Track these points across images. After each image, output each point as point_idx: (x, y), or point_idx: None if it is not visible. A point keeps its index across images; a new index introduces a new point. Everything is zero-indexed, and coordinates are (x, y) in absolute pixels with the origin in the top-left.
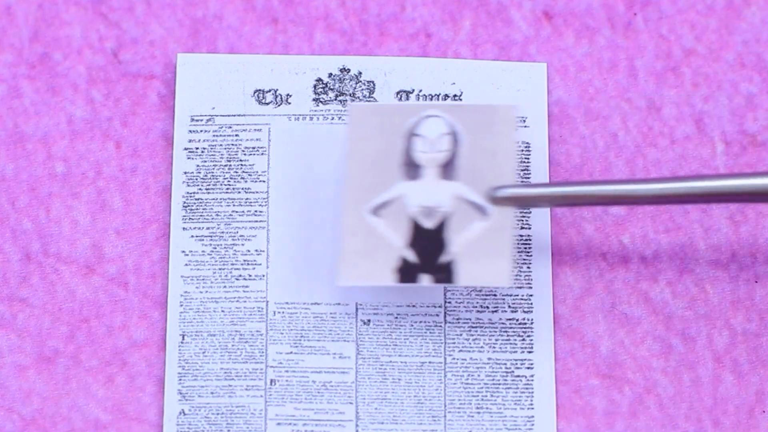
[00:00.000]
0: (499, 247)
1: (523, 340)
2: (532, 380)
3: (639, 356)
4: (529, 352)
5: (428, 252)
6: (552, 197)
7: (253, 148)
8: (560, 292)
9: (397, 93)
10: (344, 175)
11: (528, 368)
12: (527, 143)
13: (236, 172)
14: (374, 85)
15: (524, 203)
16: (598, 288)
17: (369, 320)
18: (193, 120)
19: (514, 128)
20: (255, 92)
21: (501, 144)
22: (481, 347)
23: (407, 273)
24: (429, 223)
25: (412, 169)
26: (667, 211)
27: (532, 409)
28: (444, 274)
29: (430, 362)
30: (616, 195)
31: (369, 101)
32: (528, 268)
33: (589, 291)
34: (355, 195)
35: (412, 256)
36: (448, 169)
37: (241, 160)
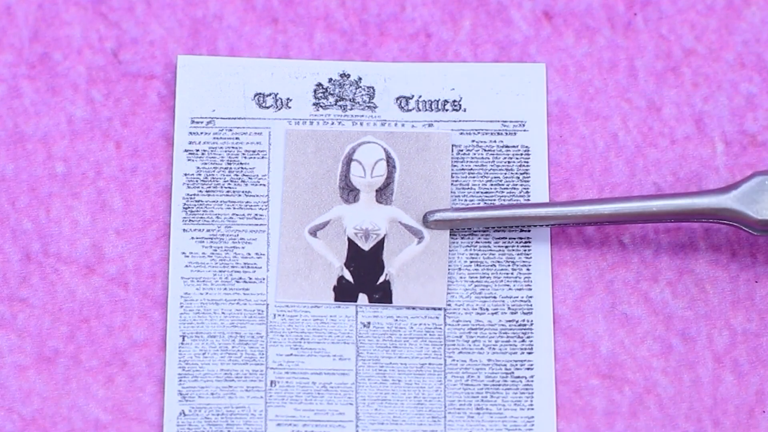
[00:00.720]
0: (435, 269)
1: (523, 341)
2: (532, 381)
3: (639, 356)
4: (529, 353)
5: (365, 272)
6: (482, 220)
7: (254, 151)
8: (560, 292)
9: (397, 99)
10: (283, 196)
11: (528, 369)
12: (526, 146)
13: (236, 175)
14: (374, 90)
15: (456, 226)
16: (598, 288)
17: (369, 323)
18: (193, 122)
19: (448, 155)
20: (255, 96)
21: (436, 169)
22: (481, 348)
23: (345, 292)
24: (365, 245)
25: (349, 192)
26: None
27: (532, 409)
28: (381, 293)
29: (429, 364)
30: (544, 216)
31: (369, 107)
32: (527, 269)
33: (589, 291)
34: (294, 216)
35: (349, 276)
36: (383, 193)
37: (241, 163)
